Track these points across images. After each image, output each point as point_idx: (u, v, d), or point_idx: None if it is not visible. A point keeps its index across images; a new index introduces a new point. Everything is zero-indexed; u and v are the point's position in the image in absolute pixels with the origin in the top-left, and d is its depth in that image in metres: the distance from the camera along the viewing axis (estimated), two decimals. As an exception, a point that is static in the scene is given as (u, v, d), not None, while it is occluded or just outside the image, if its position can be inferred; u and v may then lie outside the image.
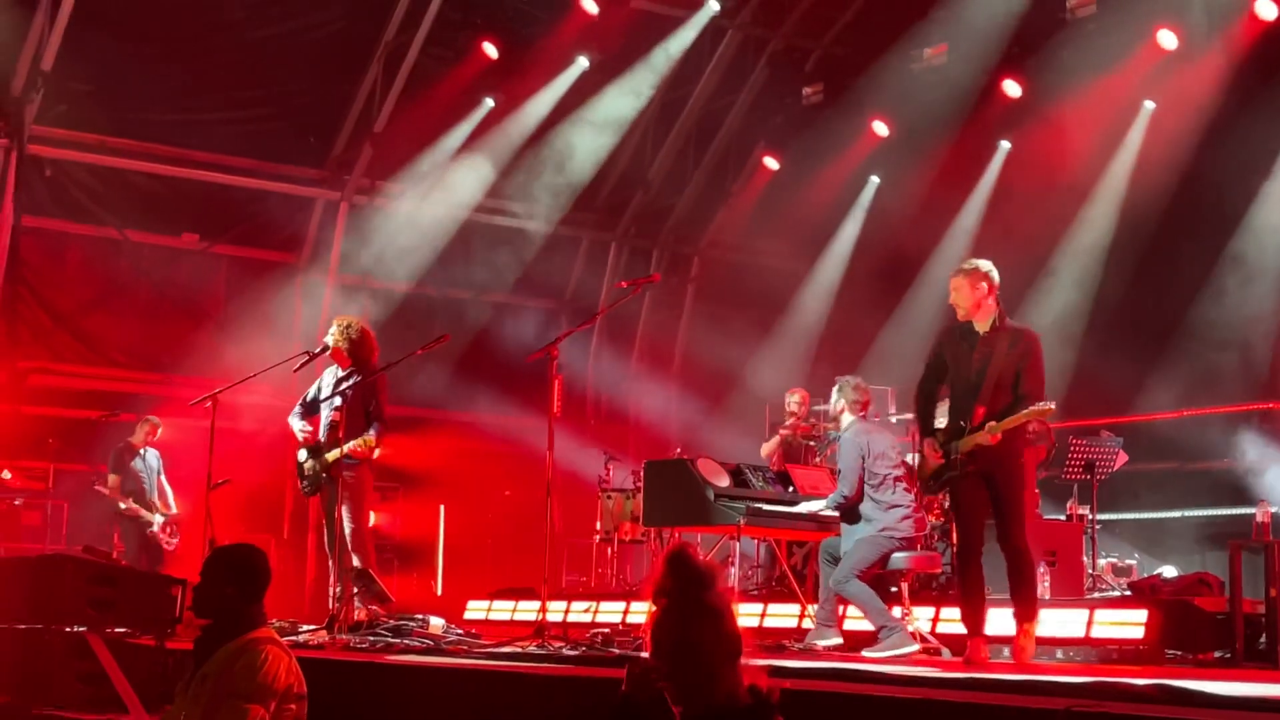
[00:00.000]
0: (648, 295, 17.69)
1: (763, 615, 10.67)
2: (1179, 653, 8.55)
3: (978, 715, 5.08)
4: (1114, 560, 11.25)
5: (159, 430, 13.73)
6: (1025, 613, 7.72)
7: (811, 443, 12.46)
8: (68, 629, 8.57)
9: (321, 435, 9.89)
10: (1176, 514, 12.89)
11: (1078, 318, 14.21)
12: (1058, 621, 9.04)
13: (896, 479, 8.94)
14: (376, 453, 9.85)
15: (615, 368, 18.03)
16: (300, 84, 15.34)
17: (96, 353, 15.40)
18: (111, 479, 13.42)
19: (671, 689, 3.71)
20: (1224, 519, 12.00)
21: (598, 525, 13.34)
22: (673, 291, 18.18)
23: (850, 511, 9.00)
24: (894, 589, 9.28)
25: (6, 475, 13.50)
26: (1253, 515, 9.37)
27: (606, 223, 17.82)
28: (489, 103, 15.94)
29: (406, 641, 8.62)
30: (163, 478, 13.74)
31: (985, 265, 7.87)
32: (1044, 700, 5.00)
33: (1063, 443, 11.32)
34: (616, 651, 7.73)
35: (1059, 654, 8.93)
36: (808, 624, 9.62)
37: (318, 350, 10.30)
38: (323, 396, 9.93)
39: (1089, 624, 8.88)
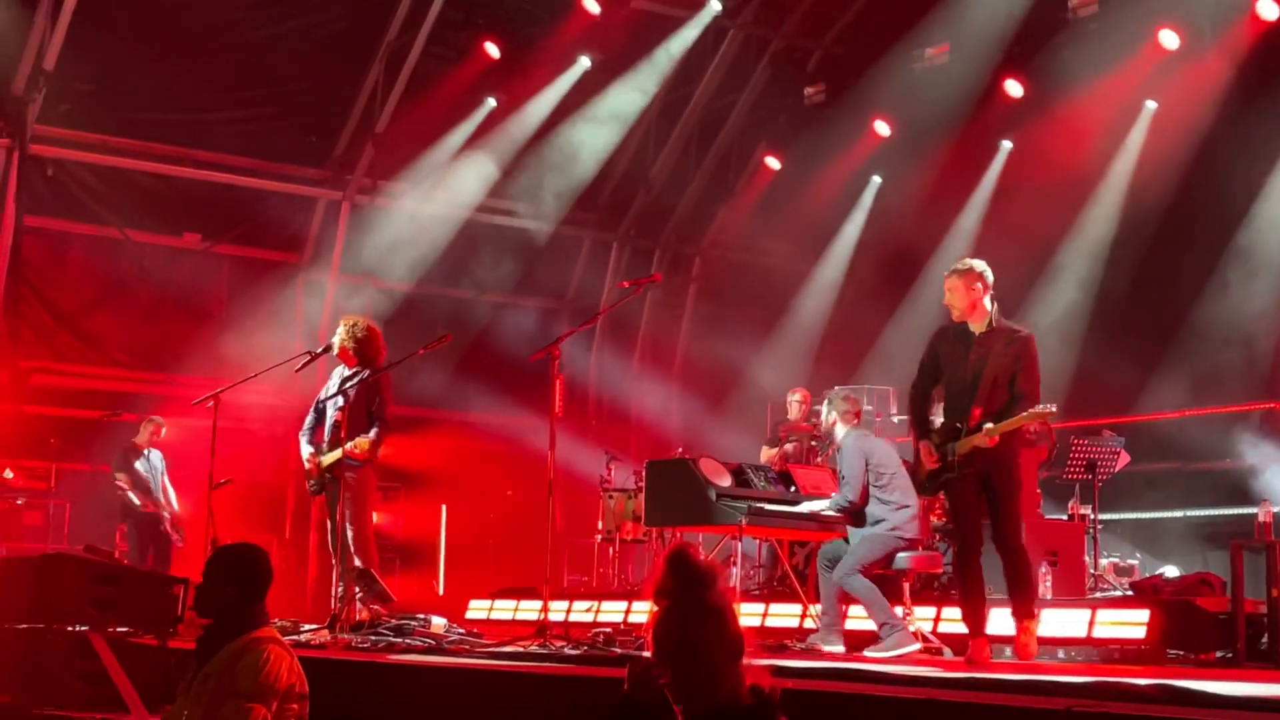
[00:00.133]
0: (649, 295, 17.68)
1: (764, 615, 10.68)
2: (1181, 653, 8.55)
3: (979, 715, 5.08)
4: (1116, 560, 11.24)
5: (163, 430, 13.71)
6: (1025, 611, 7.72)
7: (814, 443, 12.46)
8: (69, 628, 8.57)
9: (326, 435, 9.87)
10: (1178, 514, 12.88)
11: (1079, 317, 14.21)
12: (1059, 621, 9.04)
13: (902, 479, 8.95)
14: (379, 451, 9.83)
15: (617, 367, 18.03)
16: (302, 84, 15.35)
17: (98, 352, 15.41)
18: (120, 478, 13.40)
19: (673, 689, 3.71)
20: (1226, 519, 12.00)
21: (599, 525, 13.33)
22: (674, 291, 18.18)
23: (856, 516, 9.01)
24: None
25: (8, 475, 13.49)
26: (1254, 515, 9.36)
27: (608, 222, 17.82)
28: (491, 102, 15.95)
29: (408, 641, 8.62)
30: (166, 478, 13.74)
31: (980, 265, 7.83)
32: (1046, 700, 5.01)
33: (1064, 443, 11.33)
34: (618, 651, 7.74)
35: (1060, 654, 8.93)
36: (809, 624, 9.62)
37: (320, 350, 10.30)
38: (326, 396, 9.92)
39: (1090, 624, 8.88)
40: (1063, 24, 13.78)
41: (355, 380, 9.72)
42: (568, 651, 7.75)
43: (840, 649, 8.87)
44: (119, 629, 8.73)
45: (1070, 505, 11.31)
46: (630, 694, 3.84)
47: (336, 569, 9.82)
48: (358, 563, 9.58)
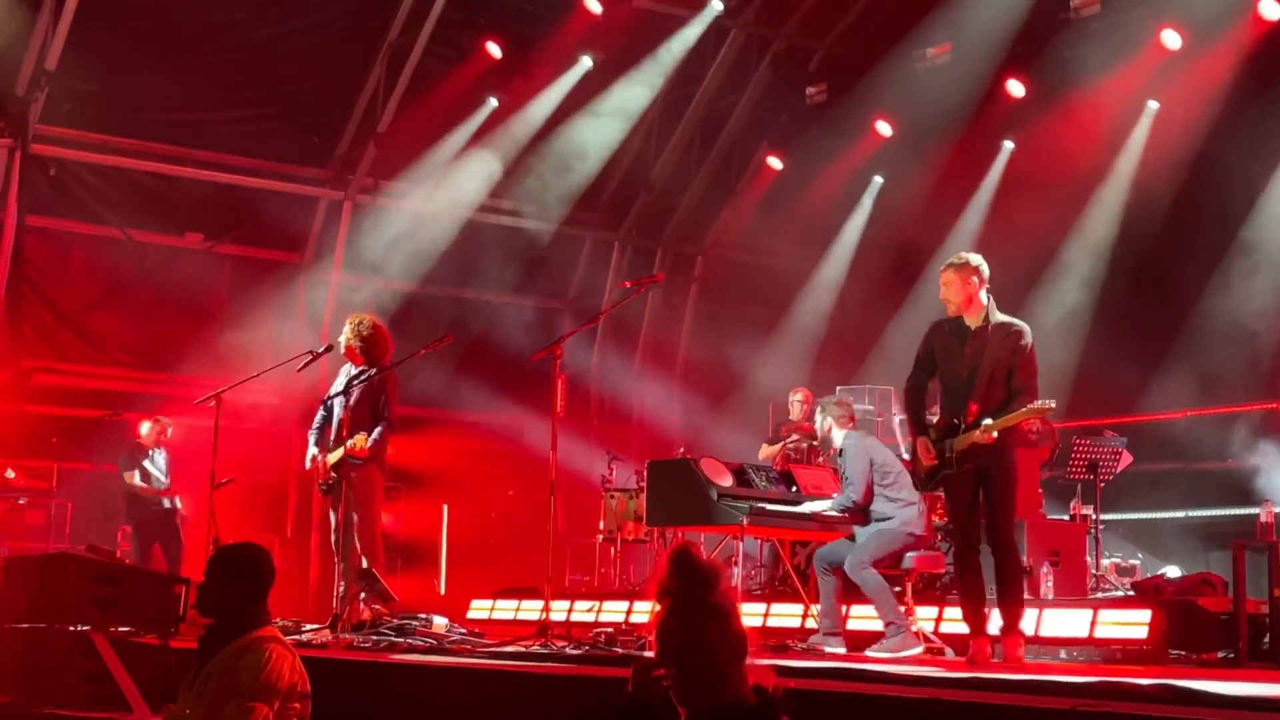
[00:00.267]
0: (651, 295, 17.68)
1: (766, 615, 10.69)
2: (1182, 653, 8.54)
3: (981, 715, 5.08)
4: (1117, 560, 11.23)
5: (168, 431, 13.69)
6: (1015, 612, 7.61)
7: (815, 443, 12.46)
8: (71, 628, 8.57)
9: (332, 434, 9.85)
10: (1180, 514, 12.88)
11: (1081, 317, 14.21)
12: (1061, 621, 9.04)
13: (906, 477, 8.95)
14: (385, 450, 9.81)
15: (619, 367, 18.04)
16: (304, 83, 15.36)
17: (100, 352, 15.42)
18: (130, 475, 13.37)
19: (676, 689, 3.70)
20: (1227, 519, 11.99)
21: (601, 525, 13.33)
22: (676, 291, 18.19)
23: (861, 515, 9.00)
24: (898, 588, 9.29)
25: (10, 474, 13.48)
26: (1256, 515, 9.36)
27: (610, 222, 17.82)
28: (492, 102, 15.95)
29: (410, 641, 8.62)
30: (168, 480, 13.73)
31: (975, 259, 7.78)
32: (1048, 700, 5.00)
33: (1066, 443, 11.32)
34: (620, 651, 7.73)
35: (1062, 654, 8.92)
36: (811, 624, 9.62)
37: (321, 350, 10.29)
38: (334, 393, 9.90)
39: (1092, 624, 8.88)
40: (1064, 24, 13.77)
41: (362, 379, 9.71)
42: (569, 651, 7.74)
43: (841, 650, 8.87)
44: (121, 628, 8.73)
45: (1072, 505, 11.31)
46: (634, 694, 3.83)
47: (339, 568, 9.81)
48: (364, 563, 9.56)
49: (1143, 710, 4.75)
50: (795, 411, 13.02)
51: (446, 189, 16.06)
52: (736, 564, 10.17)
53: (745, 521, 8.97)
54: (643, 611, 10.98)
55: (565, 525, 13.94)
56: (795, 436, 12.72)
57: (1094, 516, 10.93)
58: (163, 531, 13.42)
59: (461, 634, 9.55)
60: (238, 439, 13.00)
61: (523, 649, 7.99)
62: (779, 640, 9.41)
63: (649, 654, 3.85)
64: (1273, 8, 12.61)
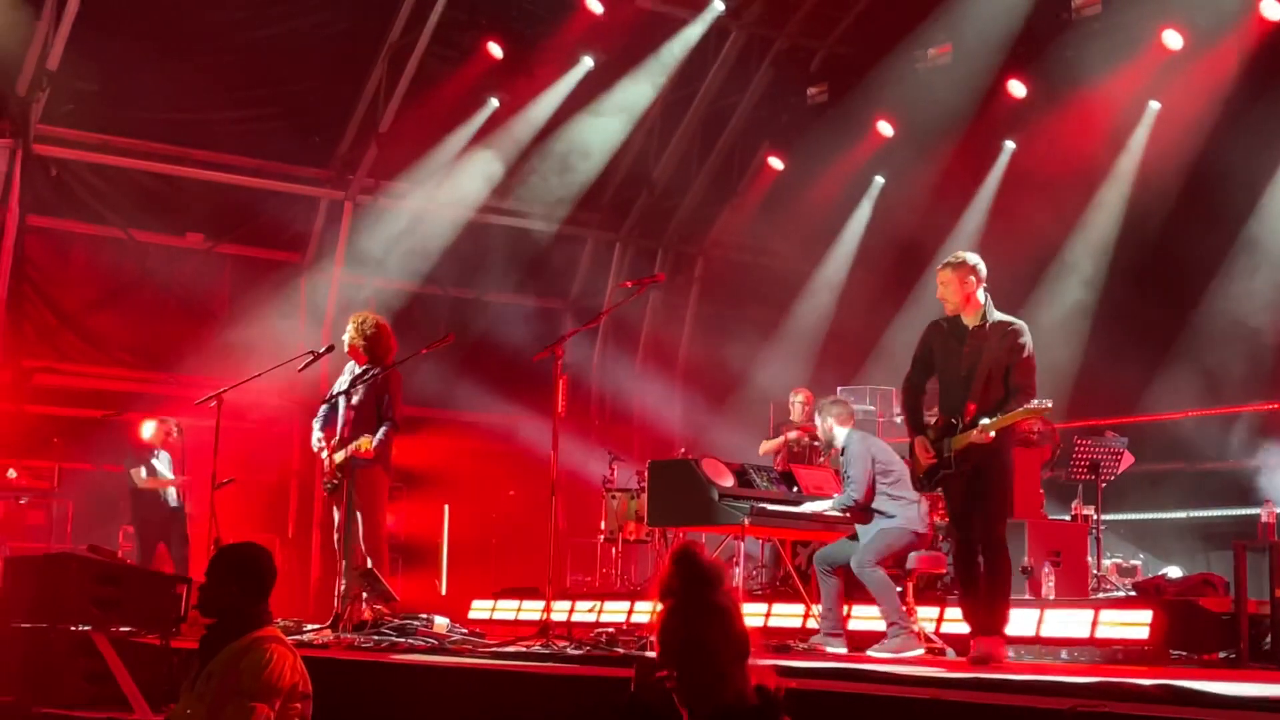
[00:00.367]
0: (652, 295, 17.70)
1: (767, 615, 10.68)
2: (1184, 653, 8.54)
3: (983, 715, 5.08)
4: (1119, 560, 11.23)
5: (174, 432, 13.62)
6: (990, 622, 7.54)
7: (816, 443, 12.47)
8: (73, 628, 8.57)
9: (337, 433, 9.83)
10: (1181, 514, 12.88)
11: (1083, 317, 14.21)
12: (1062, 622, 9.04)
13: (908, 476, 8.95)
14: (389, 450, 9.80)
15: (619, 367, 18.04)
16: (305, 83, 15.35)
17: (101, 352, 15.42)
18: (137, 472, 13.32)
19: (679, 689, 3.69)
20: (1228, 519, 11.99)
21: (602, 525, 13.34)
22: (677, 291, 18.19)
23: (862, 514, 9.00)
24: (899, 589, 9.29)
25: (12, 474, 13.48)
26: (1257, 515, 9.36)
27: (611, 222, 17.82)
28: (494, 102, 15.96)
29: (411, 641, 8.62)
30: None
31: (972, 258, 7.76)
32: (1049, 700, 5.00)
33: (1067, 443, 11.32)
34: (621, 651, 7.73)
35: (1064, 654, 8.92)
36: (812, 624, 9.62)
37: (323, 350, 10.29)
38: (336, 392, 9.89)
39: (1094, 624, 8.88)
40: (1066, 24, 13.76)
41: (368, 378, 9.70)
42: (570, 652, 7.74)
43: (842, 650, 8.87)
44: (122, 628, 8.73)
45: (1073, 506, 11.31)
46: (636, 695, 3.83)
47: (341, 567, 9.81)
48: (369, 563, 9.56)
49: (1144, 711, 4.75)
50: (796, 412, 13.03)
51: (448, 189, 16.06)
52: (738, 564, 10.17)
53: (746, 522, 8.97)
54: (644, 612, 10.99)
55: (566, 525, 13.95)
56: (796, 433, 12.73)
57: (1095, 517, 10.92)
58: (168, 531, 13.37)
59: (463, 634, 9.54)
60: (239, 439, 13.02)
61: (524, 649, 7.99)
62: (780, 640, 9.40)
63: (651, 654, 3.85)
64: (1274, 8, 12.60)
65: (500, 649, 8.13)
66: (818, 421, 9.64)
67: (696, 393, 17.55)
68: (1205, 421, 12.80)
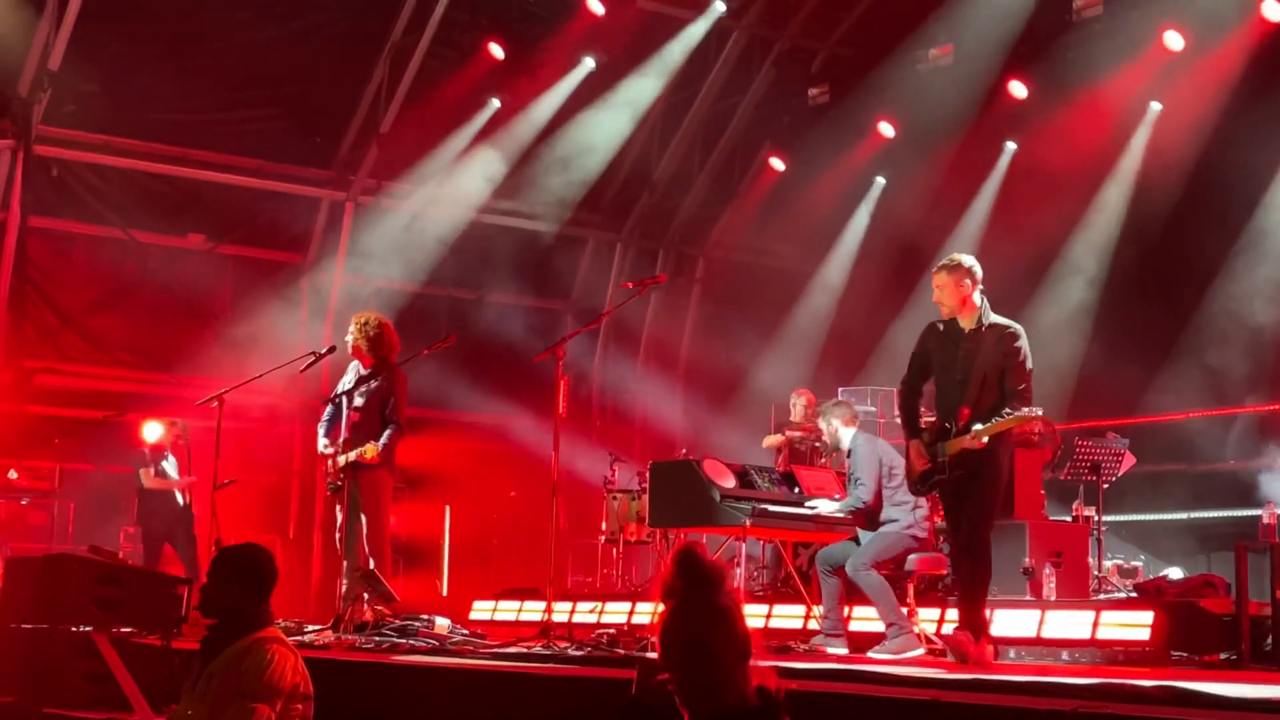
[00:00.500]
0: (653, 296, 17.67)
1: (768, 616, 10.68)
2: (1184, 654, 8.53)
3: (983, 716, 5.08)
4: (1119, 562, 11.22)
5: (183, 435, 13.56)
6: (976, 612, 7.52)
7: (818, 444, 12.47)
8: (74, 629, 8.58)
9: (342, 434, 9.82)
10: (1182, 515, 12.87)
11: (1085, 318, 14.20)
12: (1063, 623, 9.03)
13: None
14: (395, 452, 9.79)
15: (621, 368, 18.04)
16: (306, 84, 15.35)
17: (102, 353, 15.42)
18: (146, 472, 13.29)
19: (680, 690, 3.69)
20: (1229, 520, 11.98)
21: (603, 526, 13.34)
22: (678, 292, 18.18)
23: (869, 518, 8.99)
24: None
25: (13, 475, 13.48)
26: (1259, 517, 9.35)
27: (612, 223, 17.82)
28: (495, 103, 15.96)
29: (412, 642, 8.62)
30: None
31: (968, 261, 7.76)
32: (1050, 701, 5.00)
33: (1068, 444, 11.31)
34: (621, 652, 7.73)
35: (1065, 655, 8.92)
36: (813, 625, 9.62)
37: (324, 351, 10.30)
38: (343, 390, 9.89)
39: (1095, 625, 8.87)
40: (1067, 25, 13.75)
41: (371, 382, 9.69)
42: (571, 653, 7.75)
43: (843, 651, 8.87)
44: (123, 629, 8.74)
45: (1074, 507, 11.30)
46: (637, 696, 3.83)
47: (343, 567, 9.81)
48: (371, 564, 9.56)
49: (1144, 712, 4.75)
50: (797, 412, 13.03)
51: (449, 190, 16.06)
52: (739, 565, 10.17)
53: (748, 523, 8.96)
54: (645, 613, 10.98)
55: (567, 526, 13.94)
56: (800, 433, 12.74)
57: (1096, 518, 10.92)
58: (176, 532, 13.34)
59: (464, 635, 9.55)
60: (240, 440, 13.03)
61: (525, 650, 8.00)
62: (781, 641, 9.41)
63: (652, 655, 3.85)
64: (1275, 9, 12.59)
65: (501, 650, 8.13)
66: (822, 424, 9.63)
67: (698, 393, 17.55)
68: (1206, 422, 12.79)
